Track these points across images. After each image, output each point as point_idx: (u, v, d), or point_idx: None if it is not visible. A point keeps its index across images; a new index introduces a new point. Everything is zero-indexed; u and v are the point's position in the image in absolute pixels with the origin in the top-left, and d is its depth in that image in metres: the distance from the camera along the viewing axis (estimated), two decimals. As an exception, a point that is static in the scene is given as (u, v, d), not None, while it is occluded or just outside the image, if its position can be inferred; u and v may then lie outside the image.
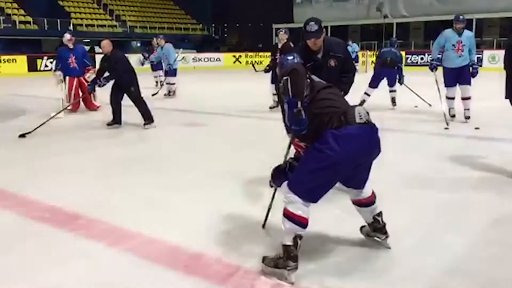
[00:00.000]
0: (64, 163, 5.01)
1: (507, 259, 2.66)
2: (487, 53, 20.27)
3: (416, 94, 9.06)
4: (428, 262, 2.59)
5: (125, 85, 6.91)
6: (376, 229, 2.76)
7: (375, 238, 2.79)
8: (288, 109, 2.37)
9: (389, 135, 6.28)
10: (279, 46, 8.21)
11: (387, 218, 2.99)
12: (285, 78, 2.37)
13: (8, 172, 4.67)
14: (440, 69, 7.09)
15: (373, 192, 2.71)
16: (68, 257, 2.73)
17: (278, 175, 2.67)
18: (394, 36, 24.90)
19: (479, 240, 2.92)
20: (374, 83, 8.76)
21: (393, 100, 8.96)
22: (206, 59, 25.37)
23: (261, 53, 24.11)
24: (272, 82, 8.42)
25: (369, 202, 2.71)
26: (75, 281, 2.46)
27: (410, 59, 21.62)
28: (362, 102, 8.67)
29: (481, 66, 19.30)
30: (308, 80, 2.50)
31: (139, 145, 5.96)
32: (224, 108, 9.09)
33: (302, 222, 2.36)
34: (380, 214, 2.75)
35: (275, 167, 2.71)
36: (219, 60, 25.43)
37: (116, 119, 7.10)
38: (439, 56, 7.07)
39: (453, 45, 6.86)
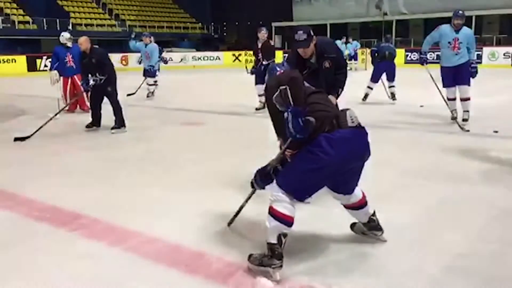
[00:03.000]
0: (63, 163, 5.01)
1: (507, 256, 2.66)
2: (486, 50, 20.27)
3: (385, 88, 9.42)
4: (428, 259, 2.59)
5: (102, 84, 6.51)
6: (372, 228, 2.80)
7: (371, 234, 2.82)
8: (293, 118, 2.31)
9: (390, 132, 6.30)
10: (259, 45, 8.17)
11: (388, 215, 2.99)
12: (283, 87, 2.34)
13: (8, 172, 4.67)
14: (432, 66, 6.75)
15: (363, 194, 2.73)
16: (68, 257, 2.73)
17: (262, 177, 2.61)
18: (393, 33, 24.96)
19: (479, 236, 2.92)
20: (375, 78, 9.24)
21: (393, 95, 9.23)
22: (205, 58, 25.35)
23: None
24: (256, 83, 8.29)
25: (362, 204, 2.72)
26: (76, 280, 2.46)
27: (410, 57, 21.60)
28: (365, 96, 9.24)
29: (480, 63, 19.43)
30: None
31: (138, 145, 5.95)
32: (223, 107, 9.08)
33: (287, 221, 2.38)
34: (374, 213, 2.78)
35: (260, 168, 2.65)
36: (219, 58, 25.42)
37: (94, 122, 6.81)
38: (439, 53, 6.71)
39: (449, 43, 6.44)
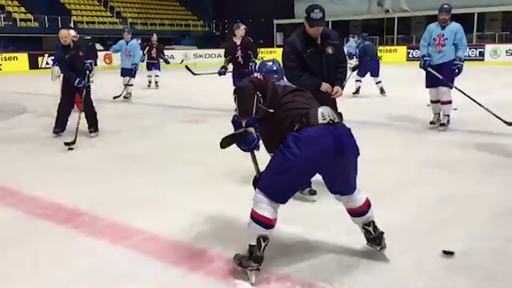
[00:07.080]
0: (65, 161, 5.02)
1: (509, 254, 2.66)
2: (488, 47, 20.21)
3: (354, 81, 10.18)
4: (430, 257, 2.59)
5: (76, 79, 5.93)
6: (369, 240, 2.60)
7: (369, 245, 2.64)
8: (234, 129, 2.39)
9: (392, 130, 6.29)
10: (238, 42, 7.45)
11: (389, 213, 2.99)
12: (233, 95, 2.38)
13: (10, 169, 4.68)
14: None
15: (367, 201, 2.56)
16: (70, 254, 2.74)
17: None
18: (395, 31, 24.94)
19: (481, 234, 2.92)
20: (362, 73, 10.19)
21: (382, 90, 10.00)
22: (207, 55, 25.39)
23: (262, 49, 24.04)
24: (234, 83, 8.05)
25: (361, 211, 2.56)
26: (77, 278, 2.48)
27: (412, 54, 21.50)
28: (357, 90, 10.15)
29: (483, 60, 19.38)
30: (272, 87, 2.45)
31: (139, 143, 5.94)
32: (224, 105, 9.01)
33: (266, 223, 2.34)
34: (370, 223, 2.57)
35: (254, 179, 2.59)
36: (220, 56, 25.40)
37: (61, 126, 6.12)
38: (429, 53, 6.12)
39: (434, 40, 5.99)
